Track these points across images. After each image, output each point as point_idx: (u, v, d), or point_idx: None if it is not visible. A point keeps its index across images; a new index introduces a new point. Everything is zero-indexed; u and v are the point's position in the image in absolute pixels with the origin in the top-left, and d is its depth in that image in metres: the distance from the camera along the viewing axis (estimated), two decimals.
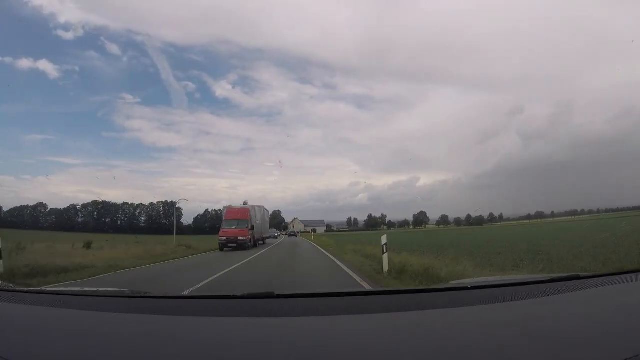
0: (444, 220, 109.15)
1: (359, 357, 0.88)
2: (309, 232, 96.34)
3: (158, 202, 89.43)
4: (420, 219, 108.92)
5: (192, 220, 76.83)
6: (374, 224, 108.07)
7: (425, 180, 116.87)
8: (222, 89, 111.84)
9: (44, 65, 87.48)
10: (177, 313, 1.22)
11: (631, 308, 1.17)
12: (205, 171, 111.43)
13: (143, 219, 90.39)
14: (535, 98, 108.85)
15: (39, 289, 1.90)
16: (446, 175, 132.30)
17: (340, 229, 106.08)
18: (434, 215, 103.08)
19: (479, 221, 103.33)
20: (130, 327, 1.12)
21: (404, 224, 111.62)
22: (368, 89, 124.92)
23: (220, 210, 42.84)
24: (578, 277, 1.55)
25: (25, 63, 76.90)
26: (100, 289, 1.75)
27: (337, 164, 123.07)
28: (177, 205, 45.72)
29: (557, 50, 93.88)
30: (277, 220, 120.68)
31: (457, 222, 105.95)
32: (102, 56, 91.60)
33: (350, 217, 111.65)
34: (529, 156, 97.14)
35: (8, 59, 71.53)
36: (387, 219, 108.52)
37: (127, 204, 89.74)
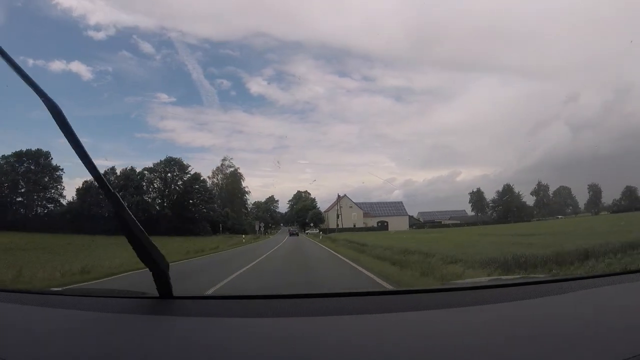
0: (628, 196, 57.20)
1: (360, 357, 0.89)
2: (384, 227, 44.41)
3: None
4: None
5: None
6: (509, 210, 55.04)
7: (464, 175, 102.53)
8: (257, 85, 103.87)
9: (77, 67, 79.80)
10: (183, 314, 1.22)
11: (631, 308, 1.19)
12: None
13: None
14: (592, 84, 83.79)
15: (39, 289, 1.93)
16: (486, 170, 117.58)
17: (454, 221, 53.08)
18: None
19: None
20: (132, 327, 1.12)
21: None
22: (408, 80, 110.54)
23: None
24: (578, 278, 1.58)
25: (58, 65, 69.56)
26: (101, 289, 1.89)
27: (371, 160, 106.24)
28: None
29: (617, 30, 67.38)
30: (301, 205, 69.28)
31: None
32: (134, 56, 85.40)
33: (474, 190, 59.04)
34: (579, 148, 77.22)
35: (40, 62, 64.36)
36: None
37: None
